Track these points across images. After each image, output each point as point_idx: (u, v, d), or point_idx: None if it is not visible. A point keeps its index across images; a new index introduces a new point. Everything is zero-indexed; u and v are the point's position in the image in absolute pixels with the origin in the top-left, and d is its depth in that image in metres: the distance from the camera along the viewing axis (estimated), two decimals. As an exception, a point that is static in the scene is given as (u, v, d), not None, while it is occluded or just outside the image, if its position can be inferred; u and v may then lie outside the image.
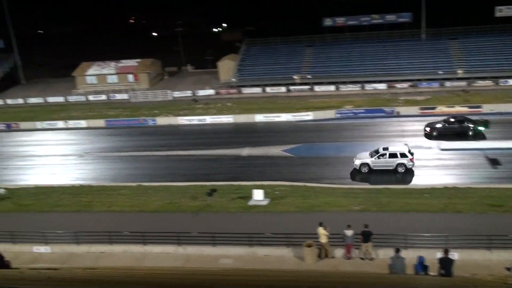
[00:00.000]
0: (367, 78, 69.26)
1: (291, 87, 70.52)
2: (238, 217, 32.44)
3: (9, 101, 78.48)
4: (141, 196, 37.33)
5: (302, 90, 69.85)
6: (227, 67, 77.68)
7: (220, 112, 62.39)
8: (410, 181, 38.29)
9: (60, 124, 63.51)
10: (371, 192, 35.09)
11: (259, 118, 58.78)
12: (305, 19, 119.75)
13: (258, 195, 34.27)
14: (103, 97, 75.71)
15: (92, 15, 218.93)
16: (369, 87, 67.87)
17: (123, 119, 62.89)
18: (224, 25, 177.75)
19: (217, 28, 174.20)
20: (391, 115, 55.83)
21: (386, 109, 56.77)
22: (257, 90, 71.27)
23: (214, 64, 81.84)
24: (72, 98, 76.68)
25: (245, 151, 47.91)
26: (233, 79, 74.14)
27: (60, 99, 76.73)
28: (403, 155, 38.96)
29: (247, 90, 71.75)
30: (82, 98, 76.33)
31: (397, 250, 22.59)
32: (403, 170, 38.97)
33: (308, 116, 57.78)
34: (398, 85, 67.05)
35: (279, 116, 58.43)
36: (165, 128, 59.54)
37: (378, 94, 64.84)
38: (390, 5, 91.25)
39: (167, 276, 16.24)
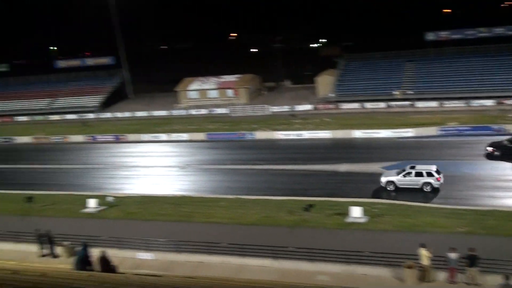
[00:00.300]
0: (473, 94, 66.10)
1: (391, 103, 68.91)
2: (335, 234, 31.97)
3: (118, 114, 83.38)
4: (239, 208, 37.89)
5: (402, 106, 68.01)
6: (325, 82, 77.47)
7: (317, 127, 62.23)
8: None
9: (164, 137, 66.35)
10: (478, 214, 33.17)
11: (358, 134, 57.90)
12: (406, 33, 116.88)
13: (356, 212, 33.64)
14: (204, 111, 78.22)
15: (196, 33, 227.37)
16: (475, 103, 64.74)
17: (223, 132, 64.55)
18: (323, 40, 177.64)
19: (315, 44, 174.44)
20: (500, 133, 52.68)
21: (494, 126, 53.77)
22: (356, 105, 70.39)
23: (312, 79, 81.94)
24: (175, 112, 79.95)
25: (343, 167, 47.30)
26: (331, 94, 73.75)
27: (164, 113, 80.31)
28: (429, 174, 38.35)
29: (345, 106, 71.07)
30: (184, 112, 79.34)
31: (507, 277, 21.16)
32: (429, 190, 38.25)
33: (408, 132, 56.06)
34: (508, 101, 63.30)
35: (378, 132, 57.20)
36: (263, 142, 60.29)
37: (485, 111, 61.56)
38: (497, 17, 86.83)
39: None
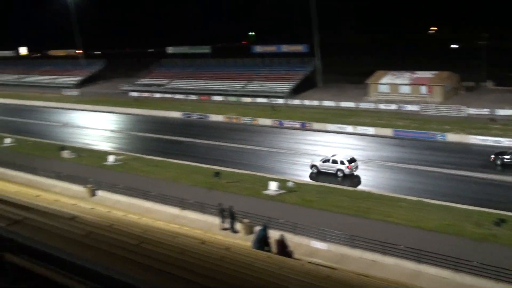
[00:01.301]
0: None
1: None
2: (529, 256, 28.52)
3: (306, 102, 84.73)
4: (420, 212, 35.91)
5: None
6: (534, 86, 69.64)
7: (520, 134, 56.28)
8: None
9: (349, 128, 65.64)
10: None
11: None
12: None
13: (558, 236, 29.60)
14: (394, 106, 75.60)
15: (392, 25, 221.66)
16: None
17: (411, 130, 61.68)
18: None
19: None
20: None
21: None
22: None
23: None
24: (363, 105, 78.62)
25: (546, 183, 42.07)
26: (541, 100, 66.08)
27: (351, 104, 79.47)
28: (342, 163, 45.74)
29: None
30: (372, 106, 77.59)
31: None
32: (341, 175, 45.74)
33: None
34: None
35: None
36: (454, 146, 56.26)
37: None
38: None
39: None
